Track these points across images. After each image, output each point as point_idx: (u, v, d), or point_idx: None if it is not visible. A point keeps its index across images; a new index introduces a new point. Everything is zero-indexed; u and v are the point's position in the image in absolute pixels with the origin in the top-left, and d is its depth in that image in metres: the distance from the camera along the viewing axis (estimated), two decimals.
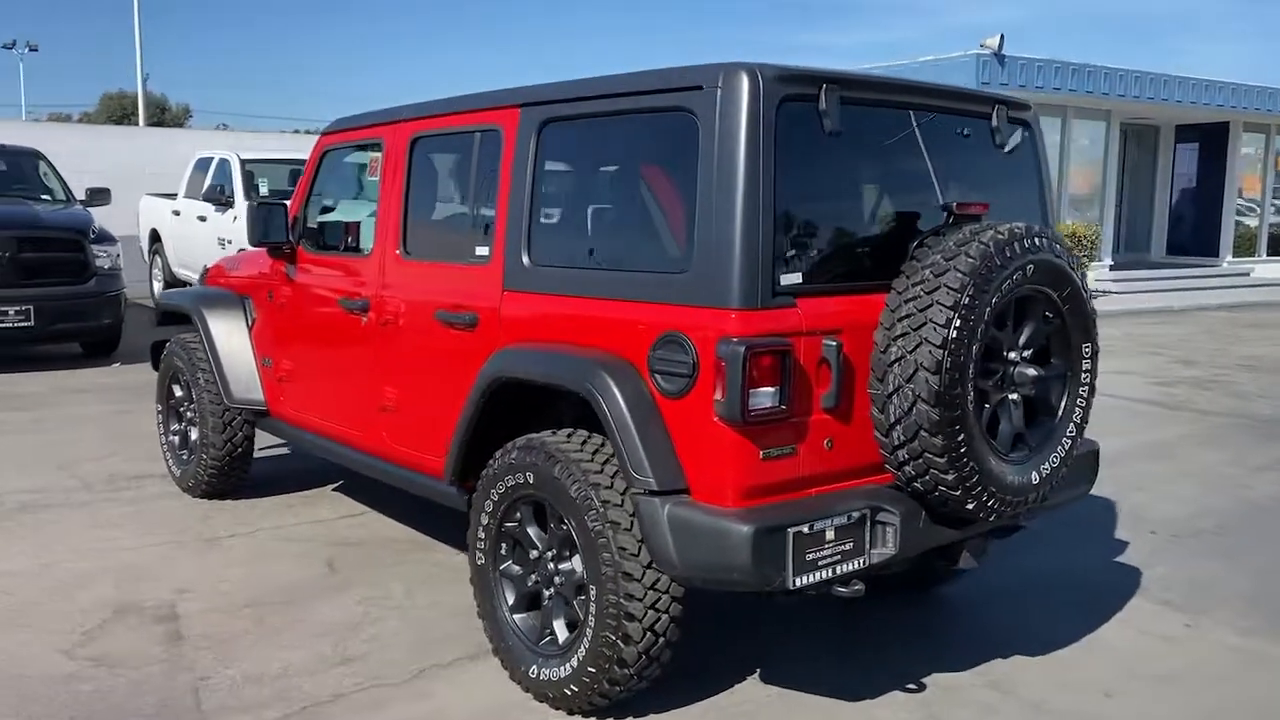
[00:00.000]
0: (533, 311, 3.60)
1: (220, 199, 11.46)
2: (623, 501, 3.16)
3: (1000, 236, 3.15)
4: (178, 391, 5.73)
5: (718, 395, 2.98)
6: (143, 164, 19.25)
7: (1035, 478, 3.33)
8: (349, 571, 4.63)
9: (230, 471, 5.53)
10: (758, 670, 3.75)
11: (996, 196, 3.87)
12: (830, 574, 3.07)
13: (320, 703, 3.43)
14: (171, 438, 5.83)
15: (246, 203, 9.79)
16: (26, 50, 45.42)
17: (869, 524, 3.15)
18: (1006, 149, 3.77)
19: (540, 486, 3.34)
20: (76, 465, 6.28)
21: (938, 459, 3.07)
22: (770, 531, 2.94)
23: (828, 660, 3.86)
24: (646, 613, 3.15)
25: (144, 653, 3.77)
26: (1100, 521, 5.59)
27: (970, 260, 3.07)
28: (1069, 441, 3.44)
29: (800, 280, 3.12)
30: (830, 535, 3.06)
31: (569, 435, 3.37)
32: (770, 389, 2.99)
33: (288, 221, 4.96)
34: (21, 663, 3.68)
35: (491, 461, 3.54)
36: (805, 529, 2.99)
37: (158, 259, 13.58)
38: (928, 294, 3.05)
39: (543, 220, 3.70)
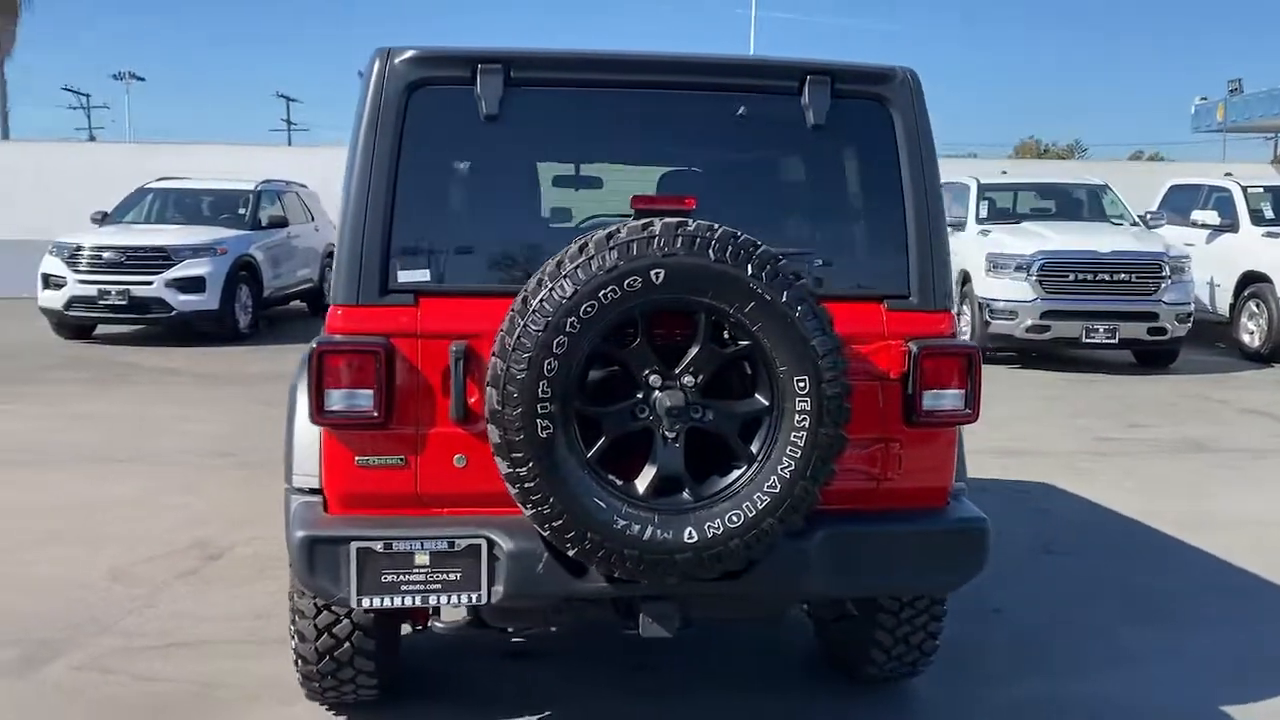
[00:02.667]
0: None
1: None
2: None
3: (618, 237, 2.59)
4: None
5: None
6: None
7: (691, 535, 2.65)
8: None
9: None
10: None
11: (802, 189, 3.15)
12: (417, 601, 2.81)
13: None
14: None
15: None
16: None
17: (486, 557, 2.81)
18: (811, 125, 3.00)
19: None
20: None
21: (512, 488, 2.64)
22: (325, 542, 2.80)
23: None
24: (311, 627, 3.15)
25: None
26: None
27: (558, 263, 2.60)
28: (769, 499, 2.67)
29: (426, 278, 2.90)
30: (423, 560, 2.80)
31: None
32: (351, 391, 2.83)
33: None
34: None
35: None
36: (378, 546, 2.79)
37: None
38: (519, 300, 2.66)
39: None
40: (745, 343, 2.66)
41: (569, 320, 2.56)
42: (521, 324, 2.58)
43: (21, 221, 15.60)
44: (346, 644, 3.20)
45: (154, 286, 11.23)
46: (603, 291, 2.57)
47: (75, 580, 4.59)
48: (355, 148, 2.92)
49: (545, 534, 2.68)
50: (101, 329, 11.91)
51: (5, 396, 8.71)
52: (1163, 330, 10.69)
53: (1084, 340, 10.69)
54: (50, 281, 11.33)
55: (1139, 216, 12.23)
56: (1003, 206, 12.85)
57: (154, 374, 9.98)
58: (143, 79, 52.47)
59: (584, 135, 3.15)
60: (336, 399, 2.83)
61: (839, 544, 2.90)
